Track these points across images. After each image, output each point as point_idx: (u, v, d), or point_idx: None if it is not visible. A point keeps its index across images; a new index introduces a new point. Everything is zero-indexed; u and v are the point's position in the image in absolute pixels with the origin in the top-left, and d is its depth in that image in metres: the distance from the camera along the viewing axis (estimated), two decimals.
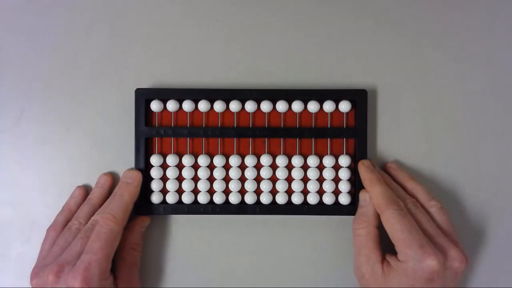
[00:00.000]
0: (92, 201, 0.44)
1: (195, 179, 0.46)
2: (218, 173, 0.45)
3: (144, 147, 0.45)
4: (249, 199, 0.45)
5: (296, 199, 0.45)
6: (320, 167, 0.46)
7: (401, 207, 0.41)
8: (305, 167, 0.46)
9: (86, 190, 0.46)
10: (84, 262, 0.39)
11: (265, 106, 0.45)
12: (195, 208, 0.45)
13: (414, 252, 0.39)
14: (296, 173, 0.45)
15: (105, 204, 0.43)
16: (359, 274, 0.42)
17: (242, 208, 0.45)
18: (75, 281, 0.39)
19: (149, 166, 0.46)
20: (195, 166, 0.46)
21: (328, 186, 0.45)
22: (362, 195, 0.44)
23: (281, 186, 0.45)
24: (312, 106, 0.45)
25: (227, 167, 0.46)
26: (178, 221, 0.47)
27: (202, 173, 0.45)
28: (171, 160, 0.45)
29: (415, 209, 0.42)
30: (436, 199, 0.44)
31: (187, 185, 0.45)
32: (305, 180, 0.46)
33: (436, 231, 0.41)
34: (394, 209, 0.41)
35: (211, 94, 0.45)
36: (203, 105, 0.45)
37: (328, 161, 0.45)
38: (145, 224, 0.45)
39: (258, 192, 0.46)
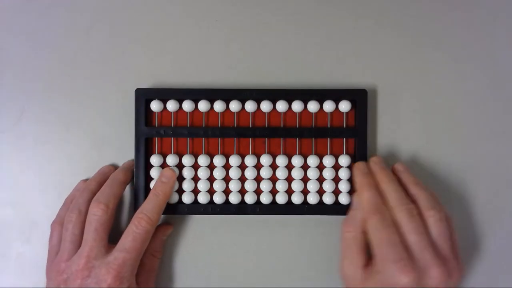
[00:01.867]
0: (91, 187, 0.44)
1: (195, 179, 0.46)
2: (218, 173, 0.45)
3: (144, 147, 0.45)
4: (249, 199, 0.45)
5: (296, 199, 0.45)
6: (320, 167, 0.46)
7: (384, 217, 0.40)
8: (305, 167, 0.46)
9: None
10: (119, 259, 0.40)
11: (265, 106, 0.45)
12: (195, 208, 0.45)
13: (388, 266, 0.38)
14: (296, 173, 0.45)
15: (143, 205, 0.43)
16: (343, 275, 0.42)
17: (242, 208, 0.45)
18: (108, 276, 0.40)
19: (149, 166, 0.46)
20: (195, 166, 0.46)
21: (328, 186, 0.45)
22: (356, 198, 0.43)
23: (281, 186, 0.45)
24: (312, 106, 0.45)
25: (227, 167, 0.46)
26: (178, 221, 0.47)
27: (202, 173, 0.45)
28: (171, 160, 0.45)
29: (409, 218, 0.40)
30: (438, 209, 0.41)
31: (187, 185, 0.45)
32: (305, 180, 0.46)
33: (424, 244, 0.39)
34: (377, 218, 0.40)
35: (211, 94, 0.45)
36: (203, 105, 0.45)
37: (328, 161, 0.45)
38: (167, 232, 0.46)
39: (258, 192, 0.46)
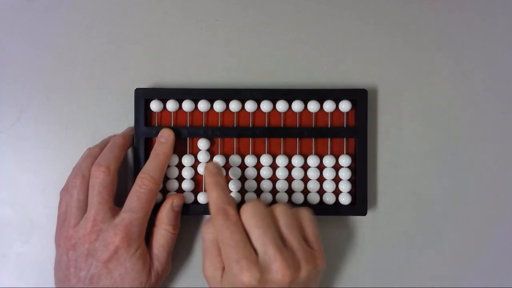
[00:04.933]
0: (94, 153, 0.44)
1: (195, 179, 0.46)
2: None
3: (144, 147, 0.45)
4: (249, 199, 0.45)
5: (296, 199, 0.45)
6: (320, 167, 0.46)
7: (228, 217, 0.39)
8: (305, 167, 0.46)
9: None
10: (125, 220, 0.40)
11: (265, 106, 0.45)
12: (195, 208, 0.45)
13: (231, 266, 0.38)
14: (296, 173, 0.45)
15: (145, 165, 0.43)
16: (205, 275, 0.41)
17: None
18: (115, 238, 0.40)
19: None
20: (195, 166, 0.46)
21: (328, 186, 0.45)
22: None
23: (281, 186, 0.45)
24: (312, 106, 0.45)
25: (227, 167, 0.46)
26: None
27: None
28: (171, 160, 0.45)
29: (262, 211, 0.39)
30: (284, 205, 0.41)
31: (187, 185, 0.45)
32: (305, 180, 0.46)
33: (267, 239, 0.38)
34: (220, 218, 0.39)
35: (211, 94, 0.45)
36: (203, 105, 0.45)
37: (328, 161, 0.45)
38: (178, 203, 0.43)
39: (258, 192, 0.46)
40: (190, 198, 0.45)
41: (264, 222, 0.39)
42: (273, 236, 0.38)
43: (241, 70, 0.47)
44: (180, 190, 0.46)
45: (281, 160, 0.45)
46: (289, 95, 0.45)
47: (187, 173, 0.45)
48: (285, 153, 0.46)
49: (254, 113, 0.46)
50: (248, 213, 0.39)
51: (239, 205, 0.45)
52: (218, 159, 0.45)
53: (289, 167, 0.46)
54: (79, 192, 0.42)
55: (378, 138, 0.47)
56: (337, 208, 0.45)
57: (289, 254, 0.38)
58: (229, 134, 0.45)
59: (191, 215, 0.45)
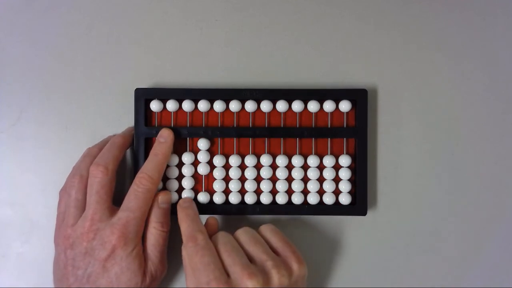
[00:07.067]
0: (93, 153, 0.44)
1: (195, 178, 0.46)
2: (218, 173, 0.45)
3: (144, 147, 0.45)
4: (249, 199, 0.45)
5: (296, 199, 0.45)
6: (320, 167, 0.46)
7: (196, 242, 0.40)
8: (305, 167, 0.46)
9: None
10: (122, 219, 0.41)
11: (265, 106, 0.45)
12: None
13: None
14: (296, 173, 0.45)
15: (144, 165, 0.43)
16: None
17: (242, 208, 0.45)
18: (112, 236, 0.40)
19: None
20: (195, 165, 0.46)
21: (328, 186, 0.45)
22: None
23: (281, 186, 0.45)
24: (312, 106, 0.45)
25: (227, 167, 0.46)
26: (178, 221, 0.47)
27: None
28: (171, 160, 0.45)
29: (225, 237, 0.41)
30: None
31: (186, 184, 0.45)
32: (305, 180, 0.46)
33: (233, 259, 0.39)
34: (190, 245, 0.40)
35: (211, 94, 0.45)
36: (203, 105, 0.45)
37: (328, 161, 0.45)
38: (165, 200, 0.43)
39: (258, 192, 0.46)
40: (189, 197, 0.45)
41: (230, 246, 0.40)
42: (239, 256, 0.39)
43: (241, 70, 0.47)
44: (180, 190, 0.46)
45: (281, 160, 0.45)
46: (289, 95, 0.45)
47: (186, 170, 0.45)
48: (285, 153, 0.46)
49: (254, 113, 0.46)
50: (217, 240, 0.41)
51: (238, 205, 0.45)
52: (218, 159, 0.45)
53: (289, 167, 0.46)
54: (77, 192, 0.42)
55: (378, 138, 0.47)
56: (337, 208, 0.45)
57: (257, 268, 0.39)
58: (229, 134, 0.45)
59: None
